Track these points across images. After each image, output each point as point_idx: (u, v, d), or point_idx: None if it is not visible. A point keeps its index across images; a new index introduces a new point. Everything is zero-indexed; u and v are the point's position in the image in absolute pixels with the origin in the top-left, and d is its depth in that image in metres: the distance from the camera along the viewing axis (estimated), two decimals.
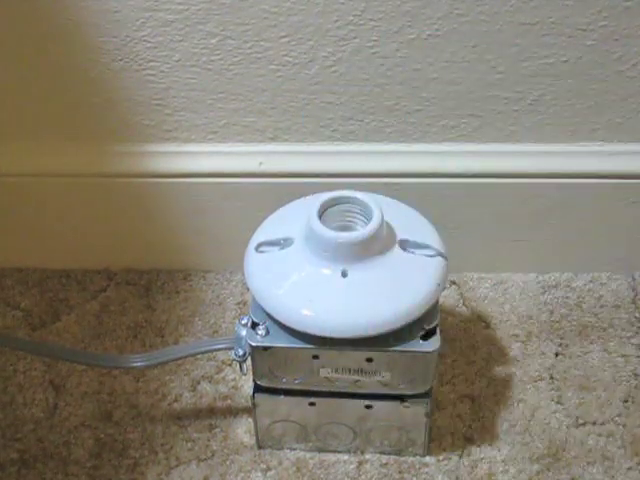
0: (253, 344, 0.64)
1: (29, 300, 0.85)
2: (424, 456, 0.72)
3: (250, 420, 0.73)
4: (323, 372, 0.65)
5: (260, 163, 0.78)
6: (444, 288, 0.67)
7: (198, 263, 0.86)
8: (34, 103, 0.77)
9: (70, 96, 0.76)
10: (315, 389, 0.67)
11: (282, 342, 0.64)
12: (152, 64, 0.73)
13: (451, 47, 0.71)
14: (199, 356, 0.78)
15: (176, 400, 0.77)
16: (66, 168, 0.80)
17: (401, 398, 0.67)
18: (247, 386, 0.76)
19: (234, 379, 0.78)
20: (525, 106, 0.74)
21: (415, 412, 0.68)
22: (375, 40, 0.70)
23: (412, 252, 0.64)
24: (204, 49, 0.72)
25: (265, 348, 0.64)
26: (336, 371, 0.65)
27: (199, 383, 0.78)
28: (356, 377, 0.65)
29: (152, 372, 0.78)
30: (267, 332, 0.64)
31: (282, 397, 0.68)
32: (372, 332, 0.62)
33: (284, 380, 0.66)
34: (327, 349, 0.63)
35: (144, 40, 0.72)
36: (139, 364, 0.70)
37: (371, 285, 0.63)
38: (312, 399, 0.68)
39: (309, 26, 0.70)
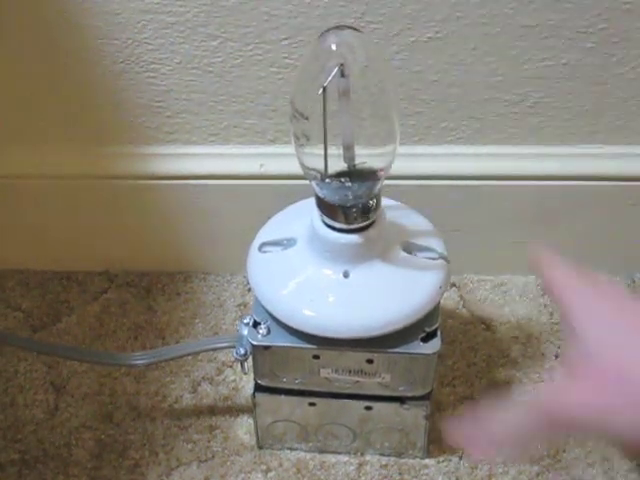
0: (254, 343, 0.64)
1: (30, 302, 0.85)
2: (424, 458, 0.72)
3: (250, 421, 0.74)
4: (323, 372, 0.65)
5: (261, 165, 0.78)
6: (445, 290, 0.67)
7: (199, 265, 0.86)
8: (35, 105, 0.77)
9: (71, 98, 0.76)
10: (315, 389, 0.67)
11: (283, 341, 0.64)
12: (153, 66, 0.73)
13: (451, 50, 0.71)
14: (199, 357, 0.78)
15: (176, 401, 0.77)
16: (67, 170, 0.80)
17: (401, 400, 0.67)
18: (247, 387, 0.76)
19: (234, 380, 0.78)
20: (525, 108, 0.74)
21: (415, 414, 0.68)
22: (375, 42, 0.70)
23: (414, 254, 0.64)
24: (205, 51, 0.72)
25: (266, 347, 0.64)
26: (336, 372, 0.65)
27: (199, 384, 0.78)
28: (356, 378, 0.65)
29: (152, 373, 0.78)
30: (268, 331, 0.64)
31: (282, 397, 0.68)
32: (373, 333, 0.62)
33: (285, 380, 0.66)
34: (328, 349, 0.63)
35: (145, 42, 0.72)
36: (141, 362, 0.70)
37: (373, 286, 0.62)
38: (312, 399, 0.68)
39: (310, 28, 0.70)
